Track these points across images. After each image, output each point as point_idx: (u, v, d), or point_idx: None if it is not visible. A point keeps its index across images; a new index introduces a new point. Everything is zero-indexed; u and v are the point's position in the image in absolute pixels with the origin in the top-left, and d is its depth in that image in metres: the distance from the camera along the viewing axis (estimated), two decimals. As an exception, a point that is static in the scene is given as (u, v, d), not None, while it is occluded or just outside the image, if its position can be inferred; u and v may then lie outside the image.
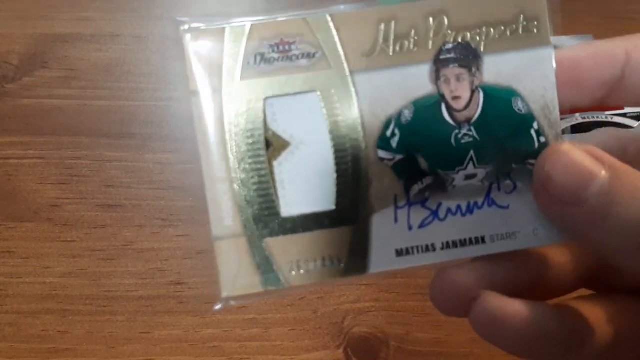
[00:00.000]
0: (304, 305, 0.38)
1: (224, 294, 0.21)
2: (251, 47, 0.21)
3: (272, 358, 0.36)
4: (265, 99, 0.21)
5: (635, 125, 0.49)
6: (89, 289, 0.39)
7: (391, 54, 0.20)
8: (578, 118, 0.49)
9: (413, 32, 0.20)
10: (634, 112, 0.50)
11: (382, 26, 0.20)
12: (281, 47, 0.21)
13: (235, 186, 0.21)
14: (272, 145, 0.21)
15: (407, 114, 0.21)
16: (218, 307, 0.22)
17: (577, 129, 0.48)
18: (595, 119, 0.49)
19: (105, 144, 0.47)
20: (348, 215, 0.21)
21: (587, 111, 0.50)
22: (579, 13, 0.59)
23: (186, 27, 0.23)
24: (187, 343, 0.36)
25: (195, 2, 0.60)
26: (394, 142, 0.21)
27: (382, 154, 0.21)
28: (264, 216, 0.21)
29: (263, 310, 0.38)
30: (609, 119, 0.49)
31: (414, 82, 0.20)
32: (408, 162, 0.21)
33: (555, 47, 0.25)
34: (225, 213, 0.22)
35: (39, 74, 0.52)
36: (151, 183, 0.44)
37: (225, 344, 0.36)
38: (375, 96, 0.20)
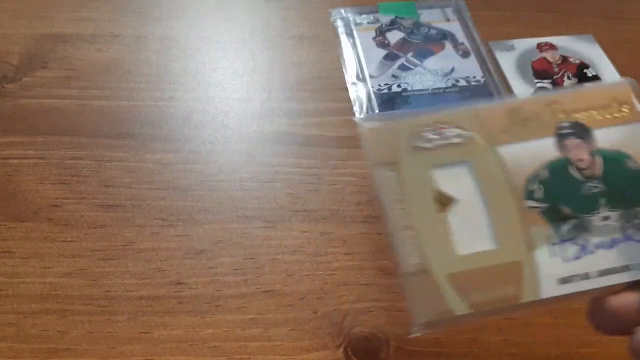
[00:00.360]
0: (304, 305, 0.38)
1: (419, 321, 0.25)
2: (416, 132, 0.28)
3: (272, 358, 0.36)
4: (432, 166, 0.27)
5: (635, 125, 0.49)
6: (89, 288, 0.39)
7: (522, 130, 0.28)
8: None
9: (535, 116, 0.28)
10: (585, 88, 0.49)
11: (511, 113, 0.28)
12: (438, 131, 0.28)
13: (418, 234, 0.26)
14: (441, 201, 0.27)
15: (545, 173, 0.27)
16: (415, 334, 0.26)
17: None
18: (595, 119, 0.49)
19: (105, 144, 0.47)
20: (513, 253, 0.26)
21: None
22: (579, 13, 0.59)
23: (366, 123, 0.29)
24: (187, 343, 0.36)
25: (195, 2, 0.60)
26: (539, 195, 0.27)
27: (530, 203, 0.27)
28: (444, 255, 0.26)
29: (263, 310, 0.38)
30: (609, 119, 0.49)
31: (543, 150, 0.27)
32: (553, 209, 0.27)
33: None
34: (410, 253, 0.26)
35: (38, 74, 0.52)
36: (151, 183, 0.44)
37: (225, 344, 0.36)
38: (515, 161, 0.27)
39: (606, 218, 0.27)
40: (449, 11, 0.59)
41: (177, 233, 0.41)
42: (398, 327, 0.37)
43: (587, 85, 0.31)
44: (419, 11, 0.59)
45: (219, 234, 0.41)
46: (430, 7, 0.59)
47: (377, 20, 0.58)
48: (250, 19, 0.58)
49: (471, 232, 0.26)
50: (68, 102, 0.50)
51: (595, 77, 0.52)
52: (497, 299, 0.25)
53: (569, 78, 0.52)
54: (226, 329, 0.37)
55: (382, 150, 0.28)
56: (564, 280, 0.26)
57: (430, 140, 0.28)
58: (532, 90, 0.51)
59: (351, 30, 0.57)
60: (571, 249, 0.26)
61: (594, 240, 0.26)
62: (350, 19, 0.58)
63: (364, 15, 0.58)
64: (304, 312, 0.38)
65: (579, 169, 0.27)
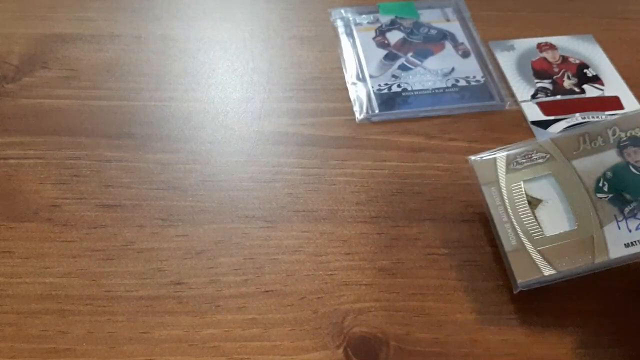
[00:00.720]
0: (304, 305, 0.38)
1: (519, 281, 0.36)
2: (510, 159, 0.40)
3: (272, 358, 0.36)
4: (523, 181, 0.39)
5: (635, 125, 0.49)
6: (89, 289, 0.39)
7: (589, 148, 0.39)
8: (578, 118, 0.49)
9: (599, 137, 0.39)
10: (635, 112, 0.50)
11: (581, 137, 0.39)
12: (526, 156, 0.40)
13: (514, 225, 0.38)
14: (531, 202, 0.38)
15: (609, 174, 0.37)
16: (516, 291, 0.36)
17: (577, 129, 0.49)
18: (596, 119, 0.49)
19: (105, 144, 0.47)
20: (588, 230, 0.36)
21: (587, 111, 0.50)
22: (579, 13, 0.59)
23: (472, 158, 0.41)
24: (187, 343, 0.36)
25: (195, 2, 0.60)
26: (605, 188, 0.37)
27: (600, 195, 0.37)
28: (535, 237, 0.37)
29: (263, 310, 0.38)
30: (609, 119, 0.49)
31: (607, 159, 0.38)
32: (618, 197, 0.37)
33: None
34: (511, 238, 0.37)
35: (39, 74, 0.52)
36: (151, 183, 0.44)
37: (225, 344, 0.36)
38: (585, 169, 0.38)
39: None
40: (449, 11, 0.59)
41: (177, 233, 0.41)
42: (398, 327, 0.37)
43: (637, 111, 0.41)
44: (419, 11, 0.59)
45: (219, 234, 0.41)
46: (430, 7, 0.59)
47: (377, 20, 0.58)
48: (250, 19, 0.58)
49: (555, 220, 0.37)
50: (68, 102, 0.50)
51: (596, 77, 0.52)
52: (576, 263, 0.35)
53: (569, 78, 0.52)
54: (226, 329, 0.37)
55: (487, 174, 0.40)
56: (628, 245, 0.35)
57: (520, 163, 0.39)
58: (532, 90, 0.51)
59: (351, 30, 0.57)
60: (633, 223, 0.35)
61: None
62: (350, 19, 0.58)
63: (364, 16, 0.58)
64: (304, 312, 0.38)
65: (637, 168, 0.37)
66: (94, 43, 0.55)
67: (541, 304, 0.38)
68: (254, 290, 0.39)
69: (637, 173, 0.37)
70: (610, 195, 0.37)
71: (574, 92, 0.51)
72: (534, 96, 0.51)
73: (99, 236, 0.41)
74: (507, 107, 0.50)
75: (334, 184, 0.44)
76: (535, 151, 0.39)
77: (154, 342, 0.36)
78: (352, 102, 0.50)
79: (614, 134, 0.39)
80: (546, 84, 0.52)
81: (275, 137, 0.48)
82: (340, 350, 0.36)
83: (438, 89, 0.51)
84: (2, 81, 0.52)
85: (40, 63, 0.53)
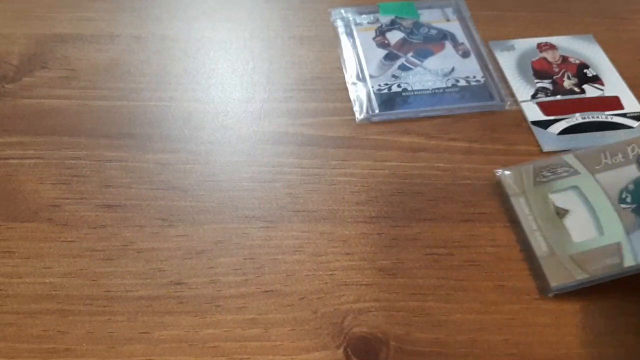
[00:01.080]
0: (304, 305, 0.38)
1: (553, 285, 0.37)
2: (536, 173, 0.42)
3: (272, 358, 0.36)
4: (549, 193, 0.41)
5: (635, 125, 0.49)
6: (89, 289, 0.39)
7: (610, 163, 0.42)
8: (578, 118, 0.49)
9: (620, 153, 0.42)
10: (634, 112, 0.50)
11: (602, 153, 0.42)
12: (551, 170, 0.42)
13: (544, 233, 0.40)
14: (559, 213, 0.41)
15: (631, 186, 0.40)
16: (551, 294, 0.38)
17: (577, 128, 0.48)
18: (595, 119, 0.49)
19: (105, 144, 0.47)
20: (615, 237, 0.39)
21: (587, 111, 0.50)
22: (580, 12, 0.59)
23: (499, 172, 0.43)
24: (187, 343, 0.36)
25: (195, 2, 0.60)
26: (628, 199, 0.40)
27: (624, 206, 0.40)
28: (564, 244, 0.39)
29: (263, 310, 0.38)
30: (609, 119, 0.49)
31: (628, 173, 0.41)
32: None
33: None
34: (541, 245, 0.39)
35: (38, 74, 0.52)
36: (151, 183, 0.44)
37: (225, 344, 0.36)
38: (608, 182, 0.41)
39: None
40: (449, 11, 0.59)
41: (177, 233, 0.41)
42: (398, 327, 0.37)
43: None
44: (419, 11, 0.59)
45: (219, 234, 0.41)
46: (430, 7, 0.59)
47: (377, 20, 0.58)
48: (250, 19, 0.58)
49: (583, 228, 0.40)
50: (68, 102, 0.50)
51: (596, 77, 0.52)
52: (605, 267, 0.37)
53: (569, 78, 0.52)
54: (226, 329, 0.37)
55: (515, 185, 0.42)
56: None
57: (546, 176, 0.42)
58: (532, 90, 0.51)
59: (351, 30, 0.57)
60: None
61: None
62: (350, 19, 0.58)
63: (364, 16, 0.58)
64: (304, 312, 0.38)
65: None
66: (94, 43, 0.55)
67: (541, 304, 0.38)
68: (254, 290, 0.39)
69: None
70: (634, 206, 0.40)
71: (574, 92, 0.51)
72: (534, 96, 0.51)
73: (99, 236, 0.41)
74: (507, 107, 0.50)
75: (334, 184, 0.44)
76: (559, 165, 0.42)
77: (154, 342, 0.36)
78: (352, 102, 0.50)
79: (632, 151, 0.42)
80: (546, 84, 0.52)
81: (275, 137, 0.48)
82: (341, 350, 0.36)
83: (438, 89, 0.51)
84: (2, 81, 0.52)
85: (40, 63, 0.53)
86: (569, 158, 0.43)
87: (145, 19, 0.58)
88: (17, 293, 0.38)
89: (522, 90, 0.51)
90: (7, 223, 0.42)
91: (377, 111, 0.49)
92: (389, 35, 0.56)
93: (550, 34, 0.56)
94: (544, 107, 0.50)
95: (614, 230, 0.39)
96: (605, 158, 0.42)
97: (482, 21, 0.58)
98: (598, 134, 0.48)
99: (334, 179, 0.45)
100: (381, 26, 0.57)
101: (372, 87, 0.51)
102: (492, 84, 0.52)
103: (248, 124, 0.49)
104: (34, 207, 0.43)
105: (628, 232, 0.39)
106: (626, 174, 0.41)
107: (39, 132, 0.48)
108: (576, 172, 0.42)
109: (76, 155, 0.46)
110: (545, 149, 0.47)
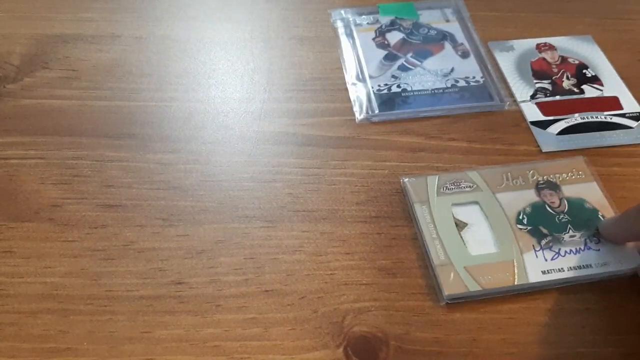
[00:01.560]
0: (304, 305, 0.38)
1: (446, 293, 0.38)
2: (440, 184, 0.43)
3: (272, 357, 0.36)
4: (451, 205, 0.42)
5: (634, 126, 0.49)
6: (89, 288, 0.39)
7: (511, 185, 0.44)
8: (577, 118, 0.49)
9: (521, 177, 0.44)
10: (633, 113, 0.50)
11: (504, 174, 0.44)
12: (455, 183, 0.43)
13: (442, 242, 0.40)
14: (458, 225, 0.41)
15: (528, 209, 0.42)
16: (443, 303, 0.38)
17: (576, 128, 0.48)
18: (594, 119, 0.49)
19: (106, 144, 0.47)
20: (509, 255, 0.40)
21: (586, 111, 0.50)
22: (579, 13, 0.59)
23: (405, 179, 0.44)
24: (187, 342, 0.36)
25: (195, 2, 0.60)
26: (525, 221, 0.42)
27: (520, 226, 0.41)
28: (461, 255, 0.40)
29: (263, 309, 0.38)
30: (608, 120, 0.49)
31: (526, 196, 0.43)
32: (536, 230, 0.41)
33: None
34: (439, 254, 0.40)
35: (39, 74, 0.52)
36: (151, 183, 0.44)
37: (225, 344, 0.36)
38: (508, 202, 0.43)
39: (573, 236, 0.41)
40: (449, 12, 0.59)
41: (177, 233, 0.42)
42: (398, 327, 0.37)
43: (557, 160, 0.46)
44: (419, 12, 0.59)
45: (220, 233, 0.42)
46: (429, 8, 0.59)
47: (377, 21, 0.58)
48: (250, 20, 0.58)
49: (479, 242, 0.41)
50: (69, 103, 0.50)
51: (595, 78, 0.52)
52: (498, 282, 0.38)
53: (568, 78, 0.52)
54: (226, 329, 0.37)
55: (419, 193, 0.43)
56: (545, 272, 0.39)
57: (450, 189, 0.43)
58: (531, 90, 0.51)
59: (351, 30, 0.57)
60: (549, 254, 0.40)
61: (564, 248, 0.40)
62: (350, 19, 0.58)
63: (363, 16, 0.58)
64: (304, 312, 0.38)
65: (552, 208, 0.42)
66: (95, 43, 0.55)
67: (541, 304, 0.38)
68: (254, 289, 0.39)
69: (552, 212, 0.42)
70: (529, 228, 0.41)
71: (573, 93, 0.51)
72: (533, 96, 0.51)
73: (100, 236, 0.41)
74: (506, 108, 0.50)
75: (334, 184, 0.45)
76: (463, 180, 0.43)
77: (154, 342, 0.36)
78: (352, 102, 0.50)
79: (532, 176, 0.44)
80: (545, 84, 0.52)
81: (275, 137, 0.48)
82: (340, 350, 0.36)
83: (438, 89, 0.51)
84: (3, 81, 0.52)
85: (41, 63, 0.53)
86: (473, 174, 0.44)
87: (146, 20, 0.58)
88: (18, 293, 0.38)
89: (522, 90, 0.52)
90: (8, 223, 0.42)
91: (377, 111, 0.49)
92: (388, 35, 0.57)
93: (549, 35, 0.57)
94: (543, 108, 0.50)
95: (509, 248, 0.40)
96: (507, 180, 0.43)
97: (482, 22, 0.58)
98: (597, 134, 0.48)
99: (334, 179, 0.45)
100: (381, 27, 0.57)
101: (372, 87, 0.51)
102: (492, 84, 0.52)
103: (248, 124, 0.49)
104: (35, 207, 0.43)
105: (522, 252, 0.40)
106: (525, 197, 0.43)
107: (40, 132, 0.48)
108: (478, 189, 0.43)
109: (77, 155, 0.46)
110: (545, 149, 0.47)
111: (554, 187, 0.43)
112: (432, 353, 0.36)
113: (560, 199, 0.43)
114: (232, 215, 0.43)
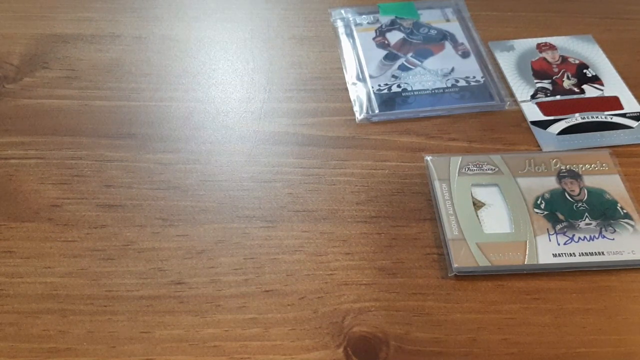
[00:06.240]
0: (304, 305, 0.38)
1: (455, 265, 0.39)
2: (463, 164, 0.45)
3: (272, 357, 0.36)
4: (471, 185, 0.44)
5: (635, 125, 0.49)
6: (89, 288, 0.39)
7: (533, 171, 0.44)
8: (577, 118, 0.49)
9: (543, 164, 0.45)
10: (634, 112, 0.50)
11: (527, 160, 0.45)
12: (477, 165, 0.45)
13: (458, 218, 0.41)
14: (476, 204, 0.42)
15: (547, 195, 0.43)
16: (451, 274, 0.39)
17: (576, 128, 0.48)
18: (595, 119, 0.49)
19: (106, 144, 0.47)
20: (522, 236, 0.41)
21: (587, 111, 0.50)
22: (579, 13, 0.59)
23: (429, 157, 0.45)
24: (187, 342, 0.36)
25: (195, 2, 0.60)
26: (542, 206, 0.42)
27: (537, 211, 0.42)
28: (475, 232, 0.41)
29: (263, 309, 0.38)
30: (609, 119, 0.49)
31: (546, 183, 0.44)
32: (552, 215, 0.42)
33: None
34: (453, 229, 0.41)
35: (39, 74, 0.52)
36: (152, 183, 0.44)
37: (225, 344, 0.36)
38: (528, 187, 0.43)
39: (589, 224, 0.41)
40: (449, 11, 0.59)
41: (177, 233, 0.42)
42: (398, 326, 0.37)
43: (583, 151, 0.47)
44: (419, 11, 0.59)
45: (219, 233, 0.41)
46: (430, 8, 0.59)
47: (377, 20, 0.58)
48: (250, 20, 0.58)
49: (495, 222, 0.42)
50: (69, 102, 0.50)
51: (595, 78, 0.52)
52: (508, 260, 0.39)
53: (568, 78, 0.52)
54: (226, 329, 0.37)
55: (441, 171, 0.44)
56: (556, 255, 0.40)
57: (472, 169, 0.44)
58: (532, 90, 0.51)
59: (351, 30, 0.57)
60: (562, 238, 0.41)
61: (579, 235, 0.41)
62: (350, 19, 0.58)
63: (364, 16, 0.58)
64: (304, 312, 0.38)
65: (571, 196, 0.43)
66: (95, 43, 0.55)
67: (541, 304, 0.38)
68: (254, 290, 0.39)
69: (570, 200, 0.43)
70: (546, 213, 0.42)
71: (574, 92, 0.51)
72: (533, 96, 0.51)
73: (100, 236, 0.41)
74: (506, 107, 0.50)
75: (334, 184, 0.44)
76: (486, 163, 0.45)
77: (154, 342, 0.36)
78: (352, 102, 0.50)
79: (555, 165, 0.45)
80: (546, 84, 0.52)
81: (275, 137, 0.48)
82: (341, 350, 0.36)
83: (438, 89, 0.51)
84: (2, 81, 0.52)
85: (41, 63, 0.53)
86: (496, 158, 0.45)
87: (145, 19, 0.58)
88: (18, 293, 0.38)
89: (522, 90, 0.51)
90: (8, 223, 0.42)
91: (377, 111, 0.49)
92: (388, 35, 0.56)
93: (549, 34, 0.57)
94: (544, 107, 0.50)
95: (524, 230, 0.41)
96: (529, 165, 0.44)
97: (482, 21, 0.58)
98: (597, 134, 0.48)
99: (334, 179, 0.45)
100: (381, 26, 0.57)
101: (372, 87, 0.51)
102: (492, 84, 0.52)
103: (248, 124, 0.49)
104: (35, 207, 0.43)
105: (536, 234, 0.41)
106: (545, 184, 0.44)
107: (39, 132, 0.48)
108: (500, 172, 0.44)
109: (77, 155, 0.46)
110: (545, 149, 0.47)
111: (575, 175, 0.44)
112: (432, 353, 0.36)
113: (581, 188, 0.43)
114: (232, 215, 0.42)
